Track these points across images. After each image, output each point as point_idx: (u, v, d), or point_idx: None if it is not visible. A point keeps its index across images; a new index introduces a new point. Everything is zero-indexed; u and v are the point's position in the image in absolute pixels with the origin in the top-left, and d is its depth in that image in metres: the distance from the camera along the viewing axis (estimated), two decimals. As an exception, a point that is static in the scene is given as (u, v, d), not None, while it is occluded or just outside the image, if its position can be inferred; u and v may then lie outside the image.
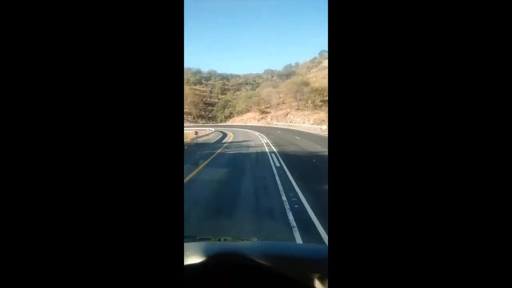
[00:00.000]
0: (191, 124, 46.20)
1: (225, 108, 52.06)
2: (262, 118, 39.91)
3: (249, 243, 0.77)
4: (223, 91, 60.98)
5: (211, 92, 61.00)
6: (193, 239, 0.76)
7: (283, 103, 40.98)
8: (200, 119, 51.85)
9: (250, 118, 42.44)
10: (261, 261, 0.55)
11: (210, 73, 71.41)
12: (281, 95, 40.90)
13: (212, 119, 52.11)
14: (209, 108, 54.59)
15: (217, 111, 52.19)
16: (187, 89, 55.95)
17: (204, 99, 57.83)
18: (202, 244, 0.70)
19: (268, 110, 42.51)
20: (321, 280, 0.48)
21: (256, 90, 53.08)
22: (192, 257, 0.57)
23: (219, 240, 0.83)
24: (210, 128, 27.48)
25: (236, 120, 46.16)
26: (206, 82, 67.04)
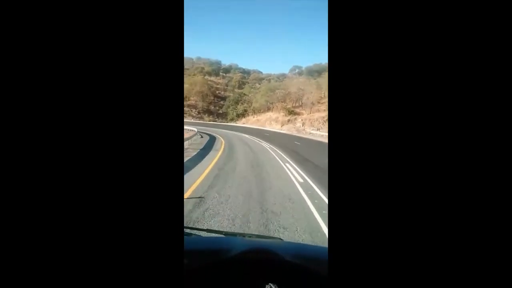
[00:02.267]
0: (186, 120, 33.40)
1: (238, 104, 38.45)
2: (288, 121, 25.65)
3: (275, 242, 0.78)
4: (241, 85, 47.70)
5: (227, 85, 47.93)
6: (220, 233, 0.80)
7: (319, 102, 26.54)
8: (206, 115, 38.77)
9: (271, 120, 28.37)
10: (290, 260, 0.56)
11: (230, 66, 58.69)
12: (322, 90, 26.36)
13: (221, 116, 38.90)
14: (221, 102, 41.48)
15: (228, 107, 38.74)
16: (198, 78, 43.56)
17: (217, 91, 44.81)
18: (231, 238, 0.76)
19: (298, 110, 28.38)
20: None
21: (283, 82, 39.05)
22: (224, 252, 0.58)
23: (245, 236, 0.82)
24: (193, 128, 14.58)
25: (251, 121, 32.53)
26: (224, 74, 54.21)
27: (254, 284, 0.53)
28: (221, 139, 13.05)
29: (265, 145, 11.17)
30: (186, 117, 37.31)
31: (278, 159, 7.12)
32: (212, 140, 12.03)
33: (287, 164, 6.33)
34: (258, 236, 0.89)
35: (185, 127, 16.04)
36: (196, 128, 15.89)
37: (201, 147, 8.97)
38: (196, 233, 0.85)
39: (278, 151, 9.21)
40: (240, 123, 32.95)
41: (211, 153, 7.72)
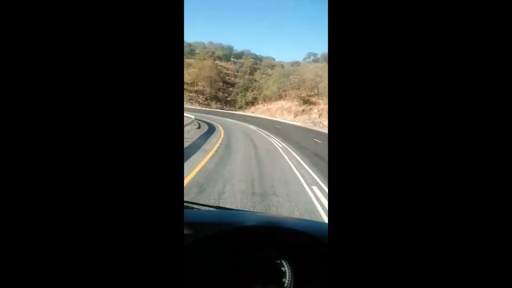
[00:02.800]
0: (192, 107, 30.93)
1: (247, 91, 35.36)
2: (303, 111, 22.65)
3: (285, 218, 0.78)
4: (252, 71, 44.33)
5: (237, 71, 44.67)
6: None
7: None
8: (213, 102, 36.13)
9: (282, 110, 25.39)
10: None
11: (242, 52, 55.01)
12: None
13: (229, 103, 36.18)
14: (230, 89, 38.54)
15: (237, 94, 35.77)
16: (207, 62, 40.55)
17: (226, 77, 41.81)
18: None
19: (314, 99, 25.15)
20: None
21: (297, 68, 35.43)
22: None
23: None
24: (190, 115, 12.31)
25: (260, 110, 29.66)
26: (236, 59, 50.79)
27: (264, 259, 0.54)
28: (221, 131, 10.42)
29: (277, 142, 8.46)
30: (192, 103, 34.86)
31: (299, 176, 4.39)
32: (208, 133, 9.41)
33: (315, 188, 3.63)
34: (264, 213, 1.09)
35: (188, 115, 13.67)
36: (193, 115, 13.30)
37: (187, 144, 6.35)
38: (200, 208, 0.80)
39: (296, 155, 6.47)
40: (248, 112, 30.14)
41: (197, 155, 5.10)
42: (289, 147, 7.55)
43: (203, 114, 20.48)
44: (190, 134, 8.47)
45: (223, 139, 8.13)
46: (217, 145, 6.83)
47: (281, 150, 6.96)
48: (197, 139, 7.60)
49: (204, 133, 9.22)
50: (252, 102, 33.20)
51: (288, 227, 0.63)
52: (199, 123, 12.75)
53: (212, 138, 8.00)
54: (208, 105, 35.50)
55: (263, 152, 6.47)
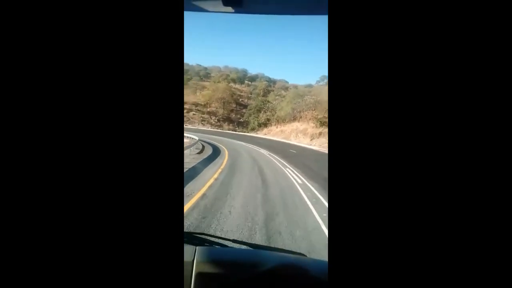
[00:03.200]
0: (203, 128, 29.95)
1: (260, 112, 34.21)
2: (320, 134, 20.56)
3: (301, 258, 0.75)
4: (266, 93, 43.72)
5: (251, 93, 44.34)
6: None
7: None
8: (226, 123, 35.20)
9: (297, 132, 23.45)
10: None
11: (256, 75, 55.50)
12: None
13: (242, 125, 35.06)
14: (243, 110, 37.73)
15: (250, 115, 34.71)
16: (222, 84, 40.69)
17: (240, 99, 41.41)
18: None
19: (332, 121, 23.14)
20: None
21: (312, 89, 34.03)
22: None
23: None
24: (193, 136, 11.92)
25: (273, 131, 27.92)
26: (250, 82, 50.99)
27: None
28: (225, 158, 8.58)
29: (294, 175, 6.38)
30: (204, 124, 34.09)
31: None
32: (208, 161, 7.59)
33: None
34: (281, 250, 0.85)
35: (186, 134, 12.09)
36: (202, 135, 11.70)
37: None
38: (217, 241, 0.79)
39: (326, 201, 4.38)
40: (261, 134, 28.58)
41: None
42: (313, 185, 5.34)
43: (213, 136, 19.04)
44: (188, 159, 6.73)
45: (223, 169, 6.26)
46: (212, 180, 4.95)
47: (301, 191, 4.83)
48: (189, 169, 5.79)
49: (203, 160, 7.44)
50: (265, 124, 31.78)
51: (307, 268, 0.62)
52: (203, 145, 11.11)
53: (209, 169, 6.15)
54: (220, 126, 34.54)
55: (275, 192, 4.46)
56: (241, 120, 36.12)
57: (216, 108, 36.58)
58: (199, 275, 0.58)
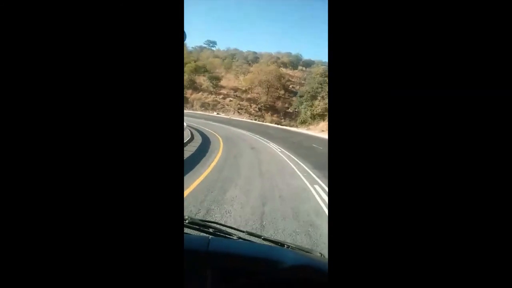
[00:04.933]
0: (238, 118, 22.37)
1: (315, 99, 24.31)
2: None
3: (318, 258, 0.73)
4: (324, 80, 33.22)
5: (304, 79, 34.48)
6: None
7: None
8: (269, 113, 26.89)
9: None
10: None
11: (313, 61, 44.81)
12: None
13: (289, 116, 26.19)
14: (293, 99, 28.61)
15: (301, 103, 25.29)
16: (270, 67, 32.45)
17: (290, 85, 32.30)
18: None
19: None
20: None
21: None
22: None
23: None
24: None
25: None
26: (304, 68, 40.96)
27: None
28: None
29: None
30: (241, 114, 26.66)
31: None
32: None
33: None
34: (299, 247, 0.80)
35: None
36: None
37: None
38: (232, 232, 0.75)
39: None
40: (315, 131, 19.15)
41: None
42: None
43: (243, 132, 11.72)
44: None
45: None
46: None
47: None
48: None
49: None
50: (322, 115, 22.02)
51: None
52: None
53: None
54: (261, 116, 26.49)
55: None
56: (289, 110, 27.18)
57: (259, 94, 28.60)
58: (213, 268, 0.55)
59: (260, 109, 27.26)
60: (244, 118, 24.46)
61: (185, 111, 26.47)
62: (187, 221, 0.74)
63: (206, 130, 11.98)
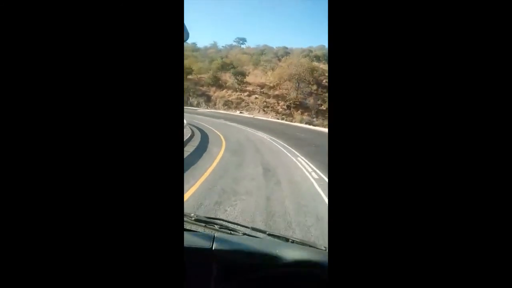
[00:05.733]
0: (263, 117, 19.54)
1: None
2: None
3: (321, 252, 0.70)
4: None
5: (341, 72, 29.78)
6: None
7: None
8: (299, 111, 23.52)
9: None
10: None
11: None
12: None
13: (323, 114, 22.42)
14: (326, 95, 24.48)
15: (338, 99, 21.11)
16: (301, 60, 28.91)
17: (323, 80, 28.26)
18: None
19: None
20: None
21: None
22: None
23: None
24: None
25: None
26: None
27: None
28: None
29: None
30: (266, 112, 23.83)
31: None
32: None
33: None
34: (303, 242, 0.78)
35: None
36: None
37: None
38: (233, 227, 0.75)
39: None
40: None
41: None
42: None
43: (263, 138, 9.03)
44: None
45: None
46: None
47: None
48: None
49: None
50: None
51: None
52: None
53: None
54: (289, 115, 23.30)
55: None
56: (322, 107, 23.44)
57: (288, 90, 25.36)
58: (218, 264, 0.56)
59: (288, 107, 24.07)
60: (270, 117, 21.60)
61: (206, 110, 25.02)
62: (193, 219, 0.75)
63: (215, 132, 9.47)
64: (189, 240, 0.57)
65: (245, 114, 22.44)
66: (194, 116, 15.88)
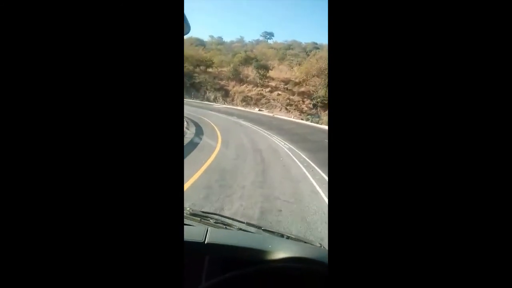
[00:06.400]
0: (284, 117, 16.79)
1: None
2: None
3: (318, 250, 0.70)
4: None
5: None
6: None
7: None
8: (327, 111, 20.17)
9: None
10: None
11: None
12: None
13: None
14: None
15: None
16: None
17: (358, 77, 24.25)
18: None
19: None
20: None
21: None
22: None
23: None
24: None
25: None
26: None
27: None
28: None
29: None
30: (289, 111, 20.95)
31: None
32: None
33: None
34: (299, 238, 0.78)
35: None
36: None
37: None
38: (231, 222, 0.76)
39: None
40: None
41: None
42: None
43: (276, 145, 6.54)
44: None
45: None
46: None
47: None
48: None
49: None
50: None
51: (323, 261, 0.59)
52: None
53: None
54: (315, 115, 20.15)
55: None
56: (356, 108, 19.81)
57: (315, 87, 22.12)
58: (210, 258, 0.56)
59: (315, 106, 20.87)
60: (292, 117, 18.77)
61: (222, 106, 23.03)
62: (188, 213, 0.76)
63: (217, 134, 7.12)
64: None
65: (264, 112, 19.88)
66: (206, 112, 13.87)
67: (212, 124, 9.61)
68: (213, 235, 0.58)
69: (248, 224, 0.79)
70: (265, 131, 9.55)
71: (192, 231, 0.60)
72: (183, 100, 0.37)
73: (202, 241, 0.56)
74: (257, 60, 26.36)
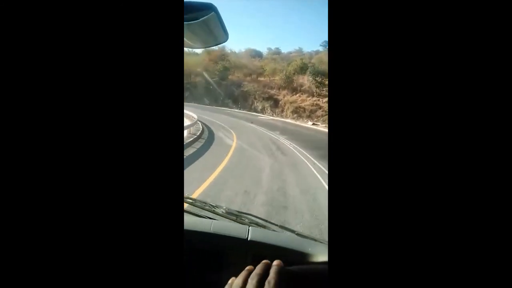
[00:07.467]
0: (305, 125, 11.80)
1: None
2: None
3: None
4: None
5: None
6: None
7: None
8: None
9: None
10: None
11: None
12: None
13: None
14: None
15: None
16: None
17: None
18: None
19: None
20: None
21: None
22: None
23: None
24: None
25: None
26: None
27: None
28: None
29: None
30: (313, 119, 15.88)
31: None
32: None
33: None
34: (302, 235, 0.80)
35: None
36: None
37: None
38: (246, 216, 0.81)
39: None
40: None
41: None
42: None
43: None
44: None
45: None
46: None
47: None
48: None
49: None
50: None
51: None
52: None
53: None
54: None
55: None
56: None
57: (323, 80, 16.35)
58: (254, 256, 0.58)
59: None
60: (309, 125, 13.74)
61: (266, 117, 19.48)
62: (224, 212, 0.81)
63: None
64: (225, 230, 0.64)
65: (319, 127, 15.55)
66: (245, 124, 10.87)
67: (232, 146, 6.31)
68: (253, 234, 0.64)
69: (281, 227, 0.84)
70: (320, 163, 5.21)
71: (235, 228, 0.66)
72: (183, 100, 0.36)
73: (245, 237, 0.61)
74: (314, 67, 22.51)
